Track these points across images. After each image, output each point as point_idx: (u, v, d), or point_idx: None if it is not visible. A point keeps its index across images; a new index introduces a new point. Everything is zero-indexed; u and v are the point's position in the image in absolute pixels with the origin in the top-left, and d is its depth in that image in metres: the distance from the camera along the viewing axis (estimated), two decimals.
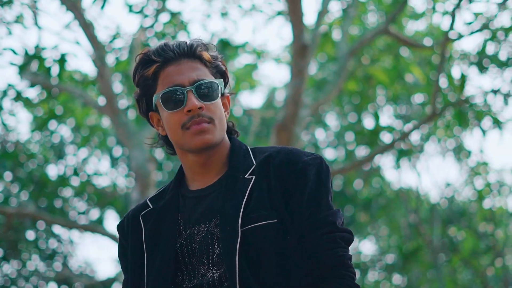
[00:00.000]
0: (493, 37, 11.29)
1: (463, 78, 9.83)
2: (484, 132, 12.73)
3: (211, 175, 2.65)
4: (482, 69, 11.54)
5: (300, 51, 8.04)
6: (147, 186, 8.73)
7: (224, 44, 10.18)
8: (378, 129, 12.32)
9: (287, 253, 2.46)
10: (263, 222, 2.47)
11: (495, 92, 11.54)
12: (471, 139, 29.50)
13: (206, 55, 2.66)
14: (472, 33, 10.60)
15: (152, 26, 11.04)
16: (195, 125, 2.58)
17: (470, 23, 10.74)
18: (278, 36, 14.62)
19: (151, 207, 2.72)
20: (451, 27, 10.05)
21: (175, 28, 11.60)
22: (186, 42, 2.68)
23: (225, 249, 2.46)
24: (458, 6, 9.37)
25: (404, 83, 12.42)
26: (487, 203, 15.41)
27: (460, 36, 10.42)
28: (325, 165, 2.59)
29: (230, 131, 2.75)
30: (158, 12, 10.89)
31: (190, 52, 2.65)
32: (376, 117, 12.48)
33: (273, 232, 2.46)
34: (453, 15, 9.69)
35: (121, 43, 11.30)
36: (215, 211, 2.55)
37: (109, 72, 8.86)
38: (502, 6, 10.23)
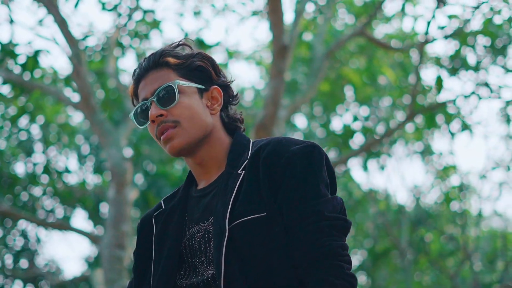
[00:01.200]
0: (464, 42, 11.43)
1: (440, 81, 9.89)
2: (453, 134, 12.87)
3: (212, 173, 2.65)
4: (453, 72, 11.67)
5: (280, 52, 8.02)
6: (123, 184, 8.69)
7: (199, 44, 10.14)
8: (348, 132, 12.41)
9: (276, 246, 2.40)
10: (251, 217, 2.42)
11: (466, 96, 11.69)
12: (439, 141, 29.78)
13: (171, 59, 2.66)
14: (446, 37, 10.71)
15: (125, 25, 11.00)
16: (162, 135, 2.61)
17: (443, 27, 10.86)
18: (251, 36, 14.54)
19: (163, 207, 2.73)
20: (427, 31, 10.15)
21: (147, 27, 11.57)
22: (154, 53, 2.69)
23: (215, 247, 2.43)
24: (437, 8, 9.45)
25: (376, 85, 12.49)
26: (454, 206, 15.55)
27: (434, 40, 10.52)
28: (318, 153, 2.51)
29: (230, 126, 2.72)
30: (132, 10, 10.85)
31: (157, 62, 2.65)
32: (354, 118, 12.54)
33: (261, 226, 2.41)
34: (429, 18, 9.79)
35: (95, 41, 11.26)
36: (211, 210, 2.55)
37: (85, 70, 8.78)
38: (476, 10, 10.34)
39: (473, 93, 10.87)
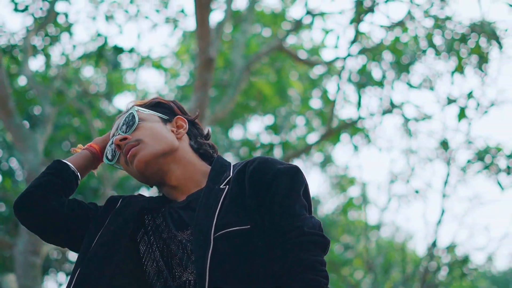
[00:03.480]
0: (374, 58, 11.77)
1: (360, 97, 10.18)
2: (356, 147, 13.22)
3: (189, 192, 2.76)
4: (360, 87, 12.00)
5: (205, 64, 8.09)
6: None
7: (116, 50, 10.10)
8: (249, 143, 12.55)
9: (257, 258, 2.49)
10: (235, 228, 2.51)
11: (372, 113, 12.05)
12: (340, 153, 30.39)
13: (136, 102, 2.91)
14: (359, 52, 11.01)
15: (39, 26, 10.83)
16: (127, 155, 2.76)
17: (353, 43, 11.16)
18: (163, 43, 14.56)
19: (136, 195, 2.90)
20: (336, 45, 10.45)
21: (56, 29, 11.43)
22: None
23: (198, 258, 2.50)
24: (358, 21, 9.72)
25: (286, 96, 12.70)
26: (351, 215, 15.92)
27: (349, 55, 10.82)
28: (300, 175, 2.64)
29: (203, 152, 2.87)
30: (44, 12, 10.70)
31: (126, 109, 2.91)
32: (275, 130, 12.70)
33: (244, 238, 2.50)
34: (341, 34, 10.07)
35: (4, 41, 11.04)
36: (189, 221, 2.63)
37: (2, 72, 8.60)
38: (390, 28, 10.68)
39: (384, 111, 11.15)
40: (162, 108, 2.91)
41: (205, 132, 2.98)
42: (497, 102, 12.29)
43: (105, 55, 9.74)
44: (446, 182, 13.45)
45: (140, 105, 2.89)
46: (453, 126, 12.83)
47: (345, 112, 12.82)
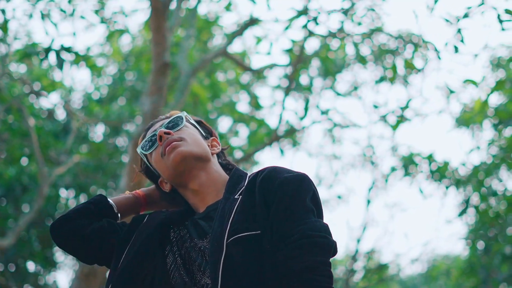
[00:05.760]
0: (305, 66, 12.12)
1: (307, 105, 10.48)
2: (282, 151, 13.52)
3: (208, 201, 2.94)
4: (288, 93, 12.33)
5: (161, 69, 8.24)
6: None
7: (63, 49, 10.06)
8: None
9: (266, 262, 2.62)
10: (246, 233, 2.65)
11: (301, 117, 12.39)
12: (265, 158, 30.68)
13: (174, 112, 3.12)
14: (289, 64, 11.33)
15: None
16: (167, 147, 2.92)
17: (288, 50, 11.48)
18: (97, 43, 14.52)
19: (163, 211, 3.08)
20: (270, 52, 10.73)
21: None
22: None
23: (212, 262, 2.67)
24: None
25: (218, 101, 12.91)
26: None
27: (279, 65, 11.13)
28: (306, 183, 2.77)
29: (227, 166, 3.09)
30: None
31: (166, 116, 3.12)
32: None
33: (255, 243, 2.64)
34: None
35: None
36: (208, 230, 2.82)
37: None
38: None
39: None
40: (203, 127, 3.13)
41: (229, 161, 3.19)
42: (421, 112, 12.83)
43: (49, 54, 9.70)
44: (370, 189, 13.88)
45: (186, 118, 3.08)
46: (378, 134, 13.34)
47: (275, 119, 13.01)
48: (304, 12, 9.91)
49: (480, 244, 13.96)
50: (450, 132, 15.75)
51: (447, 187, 12.97)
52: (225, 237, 2.66)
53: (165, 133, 2.93)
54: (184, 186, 2.98)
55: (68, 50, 9.88)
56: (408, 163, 12.87)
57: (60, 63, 9.68)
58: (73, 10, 12.21)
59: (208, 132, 3.13)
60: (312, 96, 13.01)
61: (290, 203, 2.70)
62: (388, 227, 23.53)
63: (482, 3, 8.14)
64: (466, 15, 8.55)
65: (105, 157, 13.17)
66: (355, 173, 15.47)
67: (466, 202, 13.05)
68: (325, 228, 2.69)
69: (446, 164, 12.84)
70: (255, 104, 13.38)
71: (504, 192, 13.01)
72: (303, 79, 13.11)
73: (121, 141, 14.37)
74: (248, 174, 2.95)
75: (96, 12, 11.99)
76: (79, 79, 15.84)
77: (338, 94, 13.30)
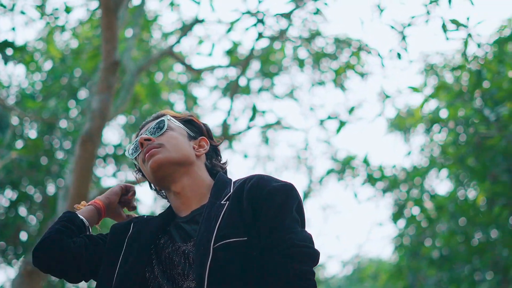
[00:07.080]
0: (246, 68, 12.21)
1: (255, 109, 10.56)
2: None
3: (192, 206, 2.99)
4: (225, 94, 12.44)
5: (110, 67, 8.22)
6: None
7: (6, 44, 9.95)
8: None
9: (252, 268, 2.67)
10: (233, 239, 2.69)
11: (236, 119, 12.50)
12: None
13: (169, 111, 3.18)
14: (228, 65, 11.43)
15: None
16: (146, 154, 3.00)
17: (228, 51, 11.58)
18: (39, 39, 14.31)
19: (145, 217, 3.12)
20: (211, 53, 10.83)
21: None
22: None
23: (198, 265, 2.72)
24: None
25: (159, 101, 12.89)
26: None
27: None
28: (294, 192, 2.84)
29: (213, 171, 3.13)
30: None
31: (158, 115, 3.18)
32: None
33: (241, 249, 2.68)
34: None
35: None
36: (192, 234, 2.87)
37: None
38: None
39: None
40: (192, 126, 3.16)
41: (224, 160, 3.24)
42: (355, 115, 13.03)
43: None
44: (305, 192, 13.98)
45: (174, 117, 3.13)
46: (314, 137, 13.50)
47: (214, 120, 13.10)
48: (249, 13, 10.00)
49: (409, 248, 14.19)
50: (384, 136, 16.05)
51: (384, 191, 13.15)
52: (212, 242, 2.71)
53: (145, 139, 3.00)
54: (167, 188, 3.04)
55: (11, 45, 9.79)
56: (346, 167, 13.01)
57: (5, 59, 9.58)
58: (13, 5, 12.10)
59: (198, 131, 3.16)
60: (249, 97, 13.10)
61: (278, 212, 2.77)
62: (321, 229, 23.77)
63: (428, 13, 8.35)
64: (409, 24, 8.77)
65: (41, 153, 12.99)
66: (289, 175, 15.56)
67: (399, 206, 13.26)
68: (310, 239, 2.77)
69: (380, 167, 13.03)
70: (193, 104, 13.42)
71: (434, 196, 13.27)
72: (241, 81, 13.19)
73: (55, 138, 14.22)
74: (233, 180, 2.99)
75: (37, 7, 11.90)
76: (13, 73, 15.52)
77: (276, 96, 13.42)
